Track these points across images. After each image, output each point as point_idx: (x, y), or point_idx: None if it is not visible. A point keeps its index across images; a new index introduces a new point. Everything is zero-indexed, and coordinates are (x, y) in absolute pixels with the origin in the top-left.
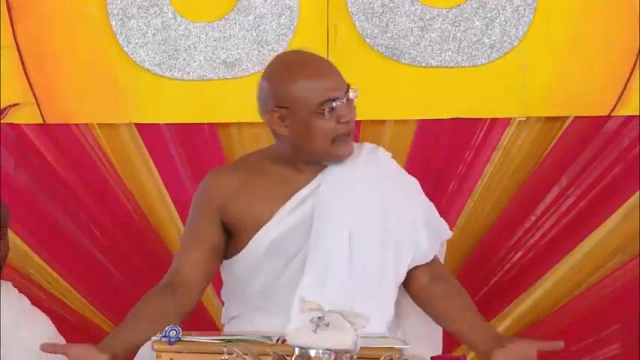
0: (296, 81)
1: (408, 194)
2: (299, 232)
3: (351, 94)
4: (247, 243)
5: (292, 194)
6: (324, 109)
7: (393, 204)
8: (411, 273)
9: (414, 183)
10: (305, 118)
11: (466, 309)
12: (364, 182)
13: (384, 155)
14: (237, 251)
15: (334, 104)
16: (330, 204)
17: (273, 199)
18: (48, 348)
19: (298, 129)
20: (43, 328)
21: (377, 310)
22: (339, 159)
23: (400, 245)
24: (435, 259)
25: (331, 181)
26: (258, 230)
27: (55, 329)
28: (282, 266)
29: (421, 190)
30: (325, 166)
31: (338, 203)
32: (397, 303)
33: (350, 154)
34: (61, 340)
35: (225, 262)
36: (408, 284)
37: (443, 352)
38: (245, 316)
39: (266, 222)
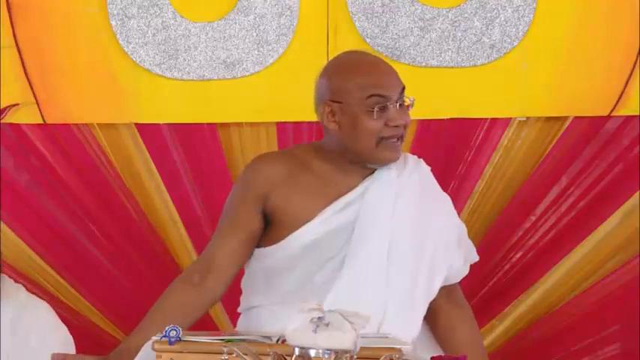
0: (350, 75)
1: (445, 211)
2: (339, 236)
3: (406, 101)
4: (285, 237)
5: (338, 196)
6: (373, 107)
7: (433, 219)
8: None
9: (449, 200)
10: (354, 114)
11: (474, 345)
12: (408, 194)
13: (426, 168)
14: (273, 243)
15: (387, 105)
16: (374, 212)
17: (317, 198)
18: (59, 358)
19: (346, 125)
20: (44, 316)
21: (406, 323)
22: (383, 162)
23: (435, 262)
24: (456, 283)
25: (377, 188)
26: (299, 227)
27: (55, 314)
28: (317, 266)
29: (454, 209)
30: (372, 171)
31: (382, 212)
32: None
33: (396, 160)
34: (62, 328)
35: (256, 250)
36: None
37: None
38: (268, 307)
39: (308, 220)
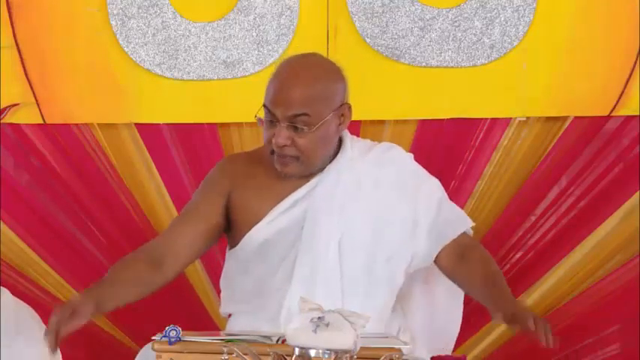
0: (270, 80)
1: (417, 198)
2: (289, 235)
3: (303, 124)
4: (241, 240)
5: (287, 195)
6: (264, 117)
7: (394, 211)
8: (436, 257)
9: (430, 185)
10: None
11: (490, 285)
12: (363, 187)
13: (398, 155)
14: (233, 246)
15: (275, 119)
16: (323, 208)
17: (268, 198)
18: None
19: None
20: (30, 319)
21: (371, 315)
22: (280, 173)
23: (393, 255)
24: (459, 237)
25: (328, 184)
26: (250, 228)
27: (40, 321)
28: (272, 268)
29: (438, 192)
30: (322, 168)
31: (331, 208)
32: (406, 302)
33: (286, 174)
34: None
35: (227, 252)
36: (439, 266)
37: None
38: (239, 317)
39: (258, 221)
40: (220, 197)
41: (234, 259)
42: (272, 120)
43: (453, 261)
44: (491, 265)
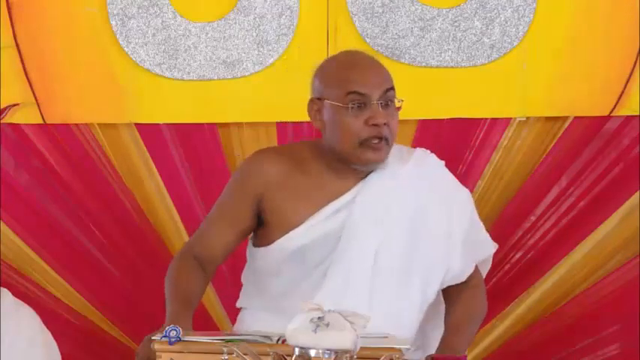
0: (333, 73)
1: (451, 208)
2: (326, 243)
3: (396, 102)
4: (274, 241)
5: (327, 202)
6: (348, 104)
7: (431, 220)
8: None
9: (463, 195)
10: (334, 112)
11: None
12: (404, 196)
13: (434, 163)
14: (264, 245)
15: (366, 103)
16: (362, 220)
17: (308, 203)
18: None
19: (330, 123)
20: (30, 320)
21: (396, 329)
22: (366, 164)
23: (429, 268)
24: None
25: (368, 195)
26: (287, 232)
27: (41, 322)
28: (304, 273)
29: (470, 204)
30: (366, 174)
31: (370, 220)
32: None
33: (379, 162)
34: (47, 334)
35: (252, 249)
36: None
37: None
38: (252, 311)
39: (296, 226)
40: (253, 200)
41: (263, 259)
42: (360, 104)
43: (455, 294)
44: (470, 308)
